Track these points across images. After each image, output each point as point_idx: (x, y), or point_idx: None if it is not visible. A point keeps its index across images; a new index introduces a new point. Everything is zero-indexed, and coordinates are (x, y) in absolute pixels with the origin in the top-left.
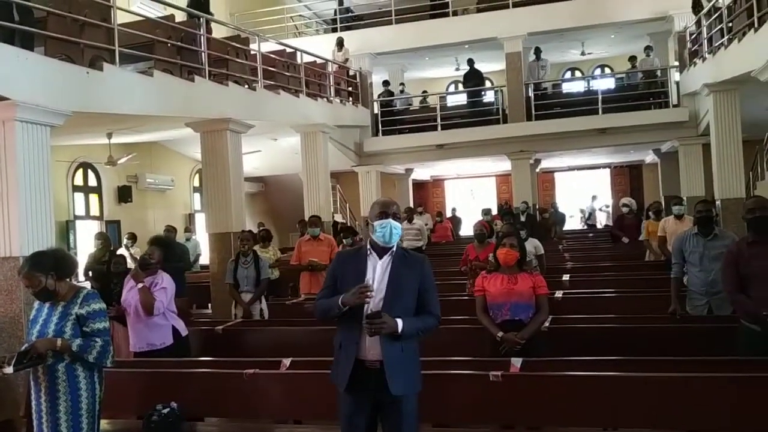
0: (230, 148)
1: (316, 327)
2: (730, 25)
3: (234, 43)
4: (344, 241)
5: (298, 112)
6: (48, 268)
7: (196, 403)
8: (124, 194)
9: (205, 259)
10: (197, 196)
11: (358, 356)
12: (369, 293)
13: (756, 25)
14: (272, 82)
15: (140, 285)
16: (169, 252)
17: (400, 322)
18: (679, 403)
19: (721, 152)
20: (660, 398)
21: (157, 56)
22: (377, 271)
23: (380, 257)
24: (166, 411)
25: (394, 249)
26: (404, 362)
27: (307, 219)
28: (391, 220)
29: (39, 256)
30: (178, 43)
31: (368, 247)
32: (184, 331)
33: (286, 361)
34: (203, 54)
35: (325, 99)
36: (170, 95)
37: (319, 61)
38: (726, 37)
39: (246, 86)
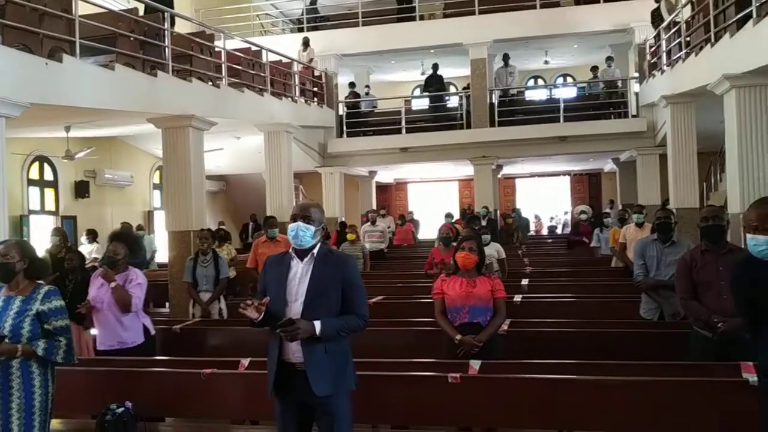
0: (192, 145)
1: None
2: (688, 39)
3: (198, 40)
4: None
5: (262, 111)
6: (26, 254)
7: (152, 402)
8: (81, 189)
9: (163, 257)
10: (157, 193)
11: (282, 358)
12: (255, 306)
13: (712, 40)
14: (237, 80)
15: (113, 284)
16: (133, 247)
17: (317, 324)
18: (632, 406)
19: (677, 163)
20: (614, 401)
21: (119, 50)
22: (298, 274)
23: (301, 260)
24: (120, 411)
25: (316, 251)
26: (329, 363)
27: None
28: (299, 223)
29: (24, 243)
30: (141, 37)
31: (291, 250)
32: (152, 329)
33: (245, 361)
34: (167, 49)
35: (289, 99)
36: (132, 90)
37: (284, 60)
38: (684, 51)
39: (210, 83)
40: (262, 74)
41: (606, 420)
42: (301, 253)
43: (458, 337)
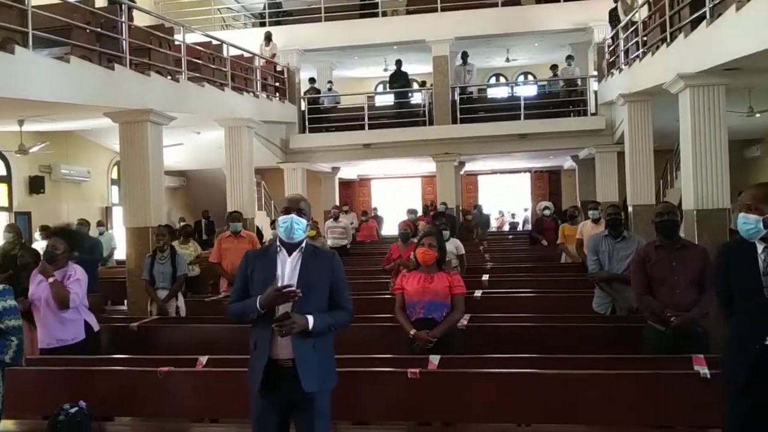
0: (150, 140)
1: (234, 325)
2: (645, 39)
3: (157, 33)
4: None
5: (222, 106)
6: None
7: (108, 402)
8: (36, 185)
9: (121, 254)
10: (115, 189)
11: (270, 355)
12: (295, 292)
13: (668, 40)
14: (197, 74)
15: (51, 279)
16: (75, 242)
17: (310, 319)
18: (589, 399)
19: (635, 160)
20: (572, 395)
21: (75, 42)
22: (287, 269)
23: (289, 254)
24: (73, 411)
25: (303, 245)
26: (317, 358)
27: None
28: (293, 216)
29: None
30: (98, 29)
31: (278, 244)
32: (96, 326)
33: (203, 359)
34: (124, 42)
35: (251, 93)
36: (88, 83)
37: (246, 54)
38: (641, 50)
39: (169, 77)
40: (223, 69)
41: (564, 413)
42: (290, 247)
43: (412, 332)
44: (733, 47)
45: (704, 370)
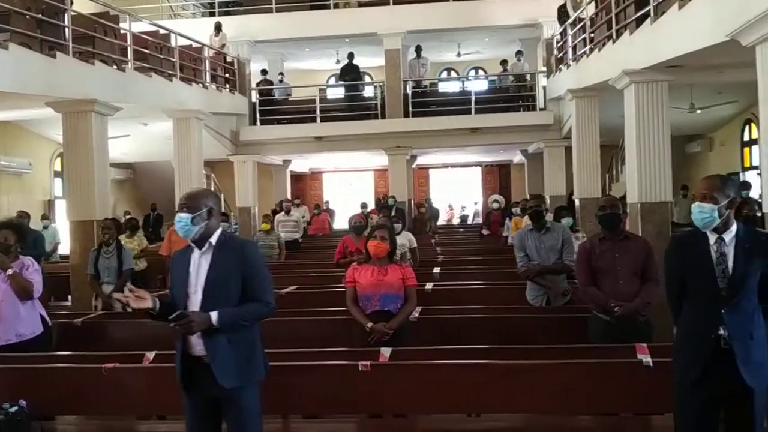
0: (95, 131)
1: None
2: (592, 35)
3: (102, 20)
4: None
5: (170, 97)
6: None
7: (51, 400)
8: None
9: (65, 249)
10: (58, 181)
11: (187, 352)
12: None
13: (614, 37)
14: (144, 64)
15: (10, 271)
16: (22, 235)
17: (214, 315)
18: (537, 388)
19: (581, 155)
20: (521, 384)
21: (14, 28)
22: (196, 264)
23: (200, 249)
24: (13, 410)
25: (214, 239)
26: (233, 354)
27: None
28: (180, 214)
29: None
30: (39, 16)
31: (191, 242)
32: (49, 320)
33: (150, 355)
34: (66, 29)
35: (200, 84)
36: (28, 71)
37: (194, 45)
38: (588, 47)
39: (114, 66)
40: (171, 59)
41: (513, 402)
42: (199, 243)
43: (369, 324)
44: (675, 45)
45: (647, 359)
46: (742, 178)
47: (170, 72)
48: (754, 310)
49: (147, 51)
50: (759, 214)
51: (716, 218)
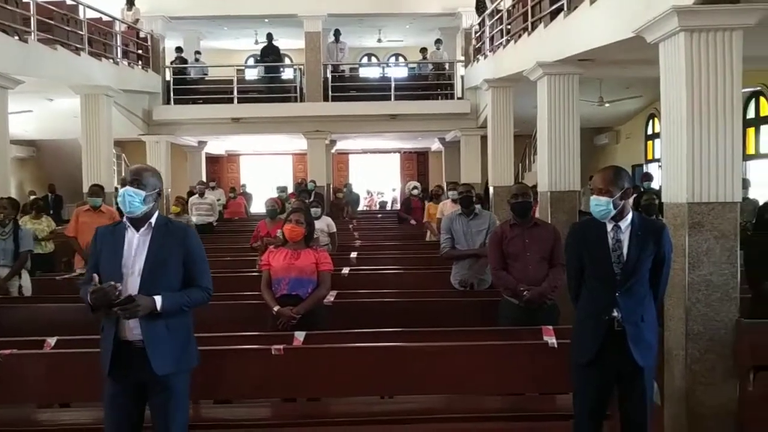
0: None
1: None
2: (509, 27)
3: None
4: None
5: (78, 72)
6: None
7: None
8: None
9: None
10: None
11: (120, 336)
12: (114, 286)
13: (530, 30)
14: (48, 36)
15: None
16: None
17: (158, 299)
18: (448, 369)
19: (496, 144)
20: (434, 366)
21: None
22: (134, 245)
23: (137, 230)
24: None
25: (154, 220)
26: (170, 340)
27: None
28: (128, 188)
29: None
30: None
31: (125, 220)
32: None
33: (51, 341)
34: None
35: (110, 60)
36: None
37: (105, 18)
38: (505, 38)
39: (16, 37)
40: (79, 32)
41: (424, 384)
42: (137, 223)
43: (276, 308)
44: (586, 39)
45: (552, 340)
46: (645, 170)
47: (78, 46)
48: (645, 295)
49: (52, 22)
50: (657, 203)
51: (612, 210)
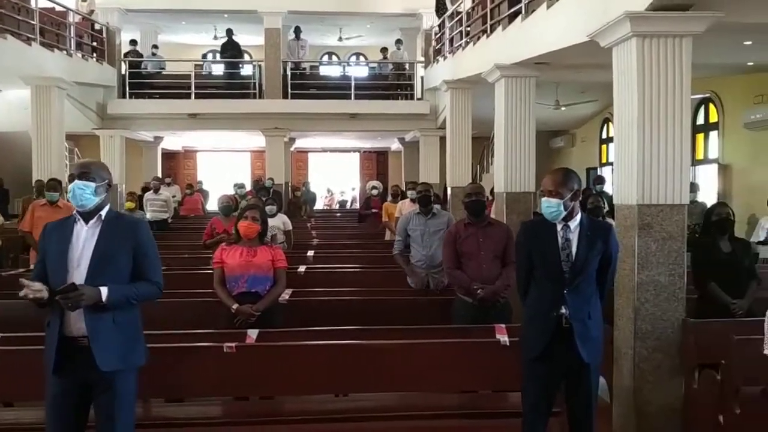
0: None
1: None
2: (468, 29)
3: None
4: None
5: (28, 62)
6: None
7: None
8: None
9: None
10: None
11: (64, 332)
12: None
13: (488, 32)
14: None
15: None
16: None
17: (104, 290)
18: (402, 367)
19: (454, 145)
20: (388, 364)
21: None
22: (82, 237)
23: (86, 223)
24: None
25: (104, 213)
26: (117, 335)
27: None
28: (76, 182)
29: None
30: None
31: (75, 213)
32: None
33: None
34: None
35: (63, 51)
36: None
37: (58, 8)
38: (464, 40)
39: None
40: (31, 21)
41: (379, 382)
42: (86, 216)
43: (235, 306)
44: (542, 42)
45: (504, 338)
46: (598, 173)
47: (29, 35)
48: (592, 293)
49: (3, 11)
50: (606, 209)
51: (562, 211)
